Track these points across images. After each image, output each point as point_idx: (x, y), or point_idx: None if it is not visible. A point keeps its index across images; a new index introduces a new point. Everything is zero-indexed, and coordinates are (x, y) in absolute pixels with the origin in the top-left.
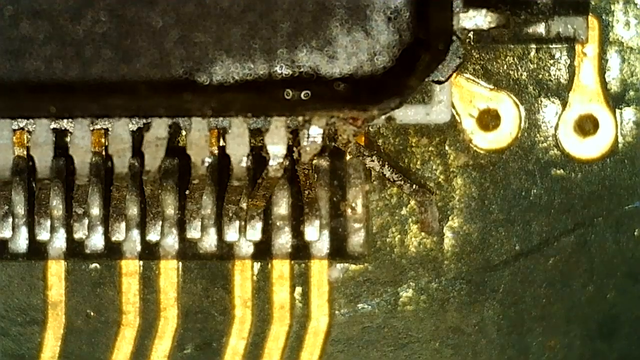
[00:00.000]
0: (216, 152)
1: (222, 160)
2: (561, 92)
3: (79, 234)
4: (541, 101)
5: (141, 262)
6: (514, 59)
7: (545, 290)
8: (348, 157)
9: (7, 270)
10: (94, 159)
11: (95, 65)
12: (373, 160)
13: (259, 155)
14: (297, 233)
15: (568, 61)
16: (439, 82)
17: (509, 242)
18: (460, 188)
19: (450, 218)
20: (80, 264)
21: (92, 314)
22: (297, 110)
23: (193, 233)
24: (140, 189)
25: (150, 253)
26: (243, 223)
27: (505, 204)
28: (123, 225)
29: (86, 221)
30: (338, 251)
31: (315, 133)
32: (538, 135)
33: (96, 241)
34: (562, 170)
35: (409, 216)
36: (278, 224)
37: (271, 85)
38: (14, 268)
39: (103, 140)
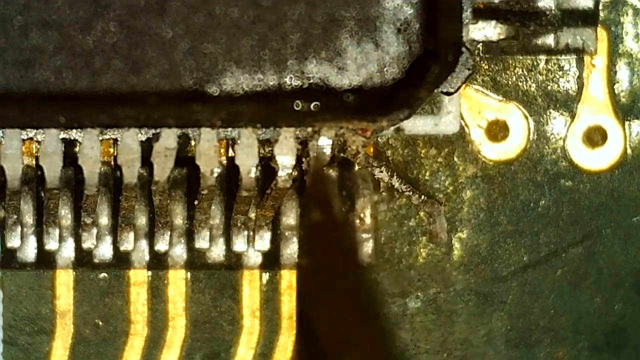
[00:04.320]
0: (225, 162)
1: (231, 170)
2: (570, 103)
3: (87, 244)
4: (550, 112)
5: (149, 272)
6: (522, 71)
7: (553, 302)
8: (357, 167)
9: (15, 280)
10: (103, 169)
11: (104, 76)
12: (382, 171)
13: (268, 166)
14: None
15: (577, 73)
16: (448, 94)
17: (517, 253)
18: (469, 199)
19: (458, 229)
20: (88, 274)
21: (100, 323)
22: (307, 121)
23: (201, 243)
24: (149, 199)
25: (158, 263)
26: (251, 233)
27: (513, 215)
28: (131, 235)
29: (95, 231)
30: None
31: (324, 144)
32: (546, 146)
33: (105, 251)
34: (570, 182)
35: (418, 227)
36: (286, 234)
37: (280, 96)
38: (23, 277)
39: (112, 150)
